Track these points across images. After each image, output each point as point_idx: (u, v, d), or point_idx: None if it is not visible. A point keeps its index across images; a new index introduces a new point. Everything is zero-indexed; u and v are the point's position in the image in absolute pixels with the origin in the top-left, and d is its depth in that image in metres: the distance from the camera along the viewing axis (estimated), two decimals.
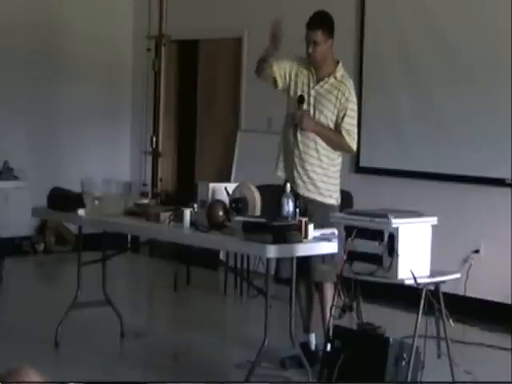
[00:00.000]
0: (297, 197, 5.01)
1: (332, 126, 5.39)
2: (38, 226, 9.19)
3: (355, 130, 5.43)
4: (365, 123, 7.56)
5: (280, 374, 5.22)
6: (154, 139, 9.10)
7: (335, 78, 5.40)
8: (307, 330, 5.53)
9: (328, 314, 4.77)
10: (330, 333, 4.62)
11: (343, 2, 7.85)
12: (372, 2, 7.63)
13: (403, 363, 4.33)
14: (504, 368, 5.45)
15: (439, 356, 4.62)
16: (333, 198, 5.43)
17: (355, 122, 5.43)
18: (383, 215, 4.29)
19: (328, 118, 5.38)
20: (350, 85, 5.44)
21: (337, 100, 5.37)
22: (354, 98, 5.43)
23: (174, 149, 9.85)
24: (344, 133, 5.37)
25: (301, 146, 5.39)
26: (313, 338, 5.49)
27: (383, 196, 7.09)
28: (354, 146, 5.46)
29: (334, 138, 5.40)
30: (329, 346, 4.60)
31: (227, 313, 7.50)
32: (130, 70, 9.95)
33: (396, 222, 4.26)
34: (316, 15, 5.43)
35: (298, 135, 5.39)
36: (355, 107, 5.44)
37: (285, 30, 5.29)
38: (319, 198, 5.39)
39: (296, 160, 5.40)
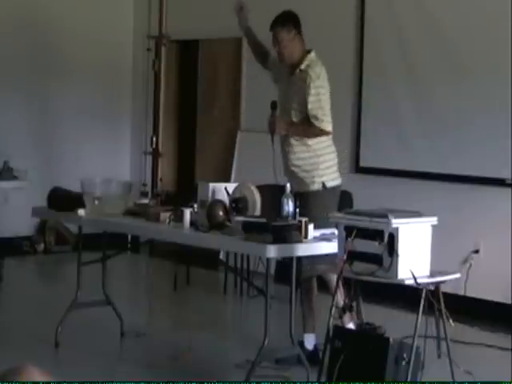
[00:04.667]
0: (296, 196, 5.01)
1: (302, 116, 5.45)
2: (37, 225, 9.19)
3: (323, 112, 5.41)
4: (365, 123, 7.58)
5: (280, 373, 5.22)
6: (154, 139, 9.11)
7: (300, 69, 5.47)
8: (311, 330, 5.52)
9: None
10: (330, 333, 4.61)
11: (343, 2, 7.85)
12: (372, 1, 7.62)
13: (403, 363, 4.32)
14: (504, 368, 5.45)
15: (439, 356, 4.62)
16: (317, 183, 5.46)
17: (322, 103, 5.40)
18: (383, 215, 4.29)
19: (297, 110, 5.45)
20: (313, 71, 5.43)
21: (300, 90, 5.42)
22: (317, 83, 5.41)
23: (173, 149, 9.85)
24: (312, 119, 5.40)
25: (285, 148, 5.53)
26: (311, 338, 5.49)
27: (383, 196, 7.09)
28: (327, 127, 5.42)
29: (305, 130, 5.46)
30: (329, 346, 4.60)
31: (227, 313, 7.51)
32: (130, 69, 9.95)
33: (396, 222, 4.26)
34: (278, 16, 5.57)
35: (278, 138, 5.52)
36: (319, 90, 5.41)
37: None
38: (304, 189, 5.44)
39: (283, 163, 5.55)
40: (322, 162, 5.49)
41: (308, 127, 5.44)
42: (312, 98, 5.38)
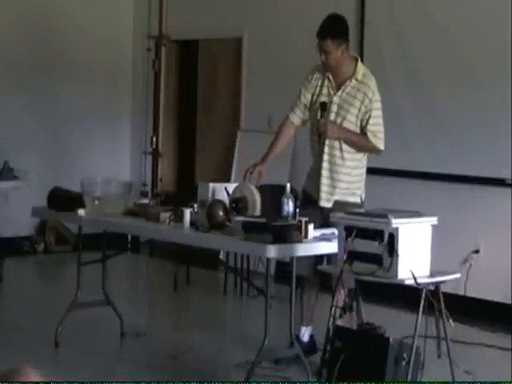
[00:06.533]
0: (297, 197, 5.00)
1: (358, 130, 5.28)
2: (37, 225, 9.19)
3: (381, 129, 5.29)
4: None
5: (280, 374, 5.22)
6: (154, 139, 9.10)
7: (356, 79, 5.28)
8: (309, 323, 5.51)
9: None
10: (330, 333, 4.61)
11: (343, 5, 7.84)
12: (372, 1, 7.62)
13: (403, 363, 4.33)
14: (504, 368, 5.45)
15: (439, 356, 4.62)
16: (356, 196, 5.38)
17: (381, 120, 5.29)
18: (383, 215, 4.29)
19: (352, 122, 5.26)
20: (373, 83, 5.29)
21: (361, 104, 5.24)
22: (377, 97, 5.28)
23: (173, 149, 9.85)
24: (369, 135, 5.25)
25: (326, 156, 5.31)
26: (307, 330, 5.48)
27: (383, 196, 7.08)
28: (382, 146, 5.32)
29: (359, 141, 5.29)
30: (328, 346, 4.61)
31: (227, 313, 7.51)
32: (130, 70, 9.94)
33: (396, 222, 4.26)
34: (325, 22, 5.30)
35: (327, 142, 5.29)
36: (379, 105, 5.29)
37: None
38: (342, 198, 5.34)
39: (323, 171, 5.32)
40: (361, 175, 5.44)
41: (363, 139, 5.26)
42: (375, 113, 5.24)
